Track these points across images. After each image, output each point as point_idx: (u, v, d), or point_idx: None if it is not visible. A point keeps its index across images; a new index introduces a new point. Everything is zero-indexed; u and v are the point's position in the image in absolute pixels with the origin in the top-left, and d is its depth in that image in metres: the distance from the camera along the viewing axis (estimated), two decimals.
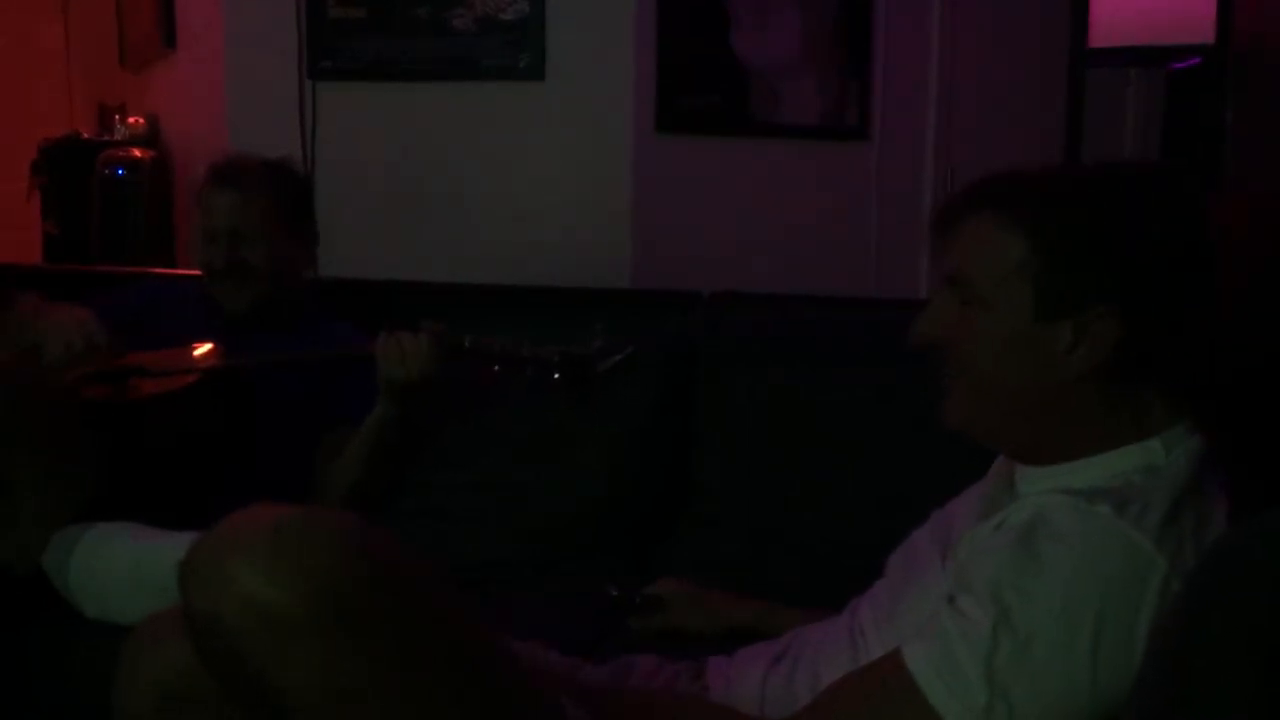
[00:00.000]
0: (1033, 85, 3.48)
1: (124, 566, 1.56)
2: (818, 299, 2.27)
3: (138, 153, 3.84)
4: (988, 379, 1.10)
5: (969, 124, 3.47)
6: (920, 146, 3.49)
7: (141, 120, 4.08)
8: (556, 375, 1.69)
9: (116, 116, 4.20)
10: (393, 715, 1.02)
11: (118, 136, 4.08)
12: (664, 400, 2.03)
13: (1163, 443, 1.05)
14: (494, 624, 1.14)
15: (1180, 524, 0.98)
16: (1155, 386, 1.07)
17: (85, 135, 4.27)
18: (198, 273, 2.09)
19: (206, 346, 1.96)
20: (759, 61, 3.24)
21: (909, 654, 0.98)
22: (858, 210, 3.41)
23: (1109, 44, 3.07)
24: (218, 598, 0.98)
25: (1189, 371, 1.08)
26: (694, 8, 3.15)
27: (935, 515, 1.28)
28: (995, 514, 1.06)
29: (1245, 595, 0.85)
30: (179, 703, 1.12)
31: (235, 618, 0.97)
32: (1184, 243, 1.06)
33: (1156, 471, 1.03)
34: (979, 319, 1.09)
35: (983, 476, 1.26)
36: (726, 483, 1.93)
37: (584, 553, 1.95)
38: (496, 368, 1.74)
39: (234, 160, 2.10)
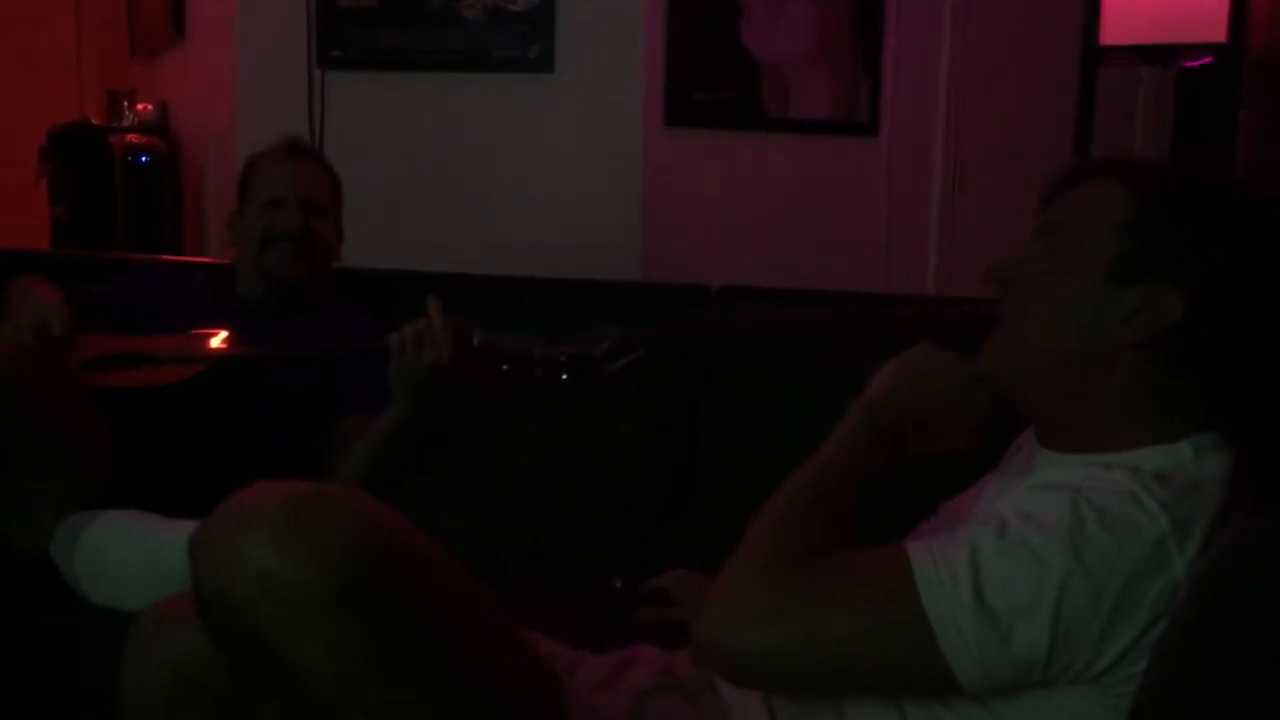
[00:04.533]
0: (1043, 82, 3.47)
1: (131, 553, 1.56)
2: (827, 293, 2.26)
3: (157, 140, 3.85)
4: (1037, 329, 1.11)
5: (979, 121, 3.47)
6: (930, 142, 3.49)
7: (150, 106, 4.08)
8: (564, 376, 1.69)
9: (125, 103, 4.20)
10: (403, 692, 1.02)
11: (126, 123, 4.08)
12: (673, 394, 2.03)
13: (1191, 446, 1.06)
14: (502, 608, 1.14)
15: (1214, 529, 0.98)
16: (1194, 387, 1.07)
17: (95, 121, 4.27)
18: (205, 260, 2.09)
19: (221, 334, 1.96)
20: (770, 56, 3.24)
21: (912, 547, 1.01)
22: (867, 205, 3.41)
23: (1120, 42, 3.06)
24: (229, 572, 0.98)
25: (1232, 380, 1.08)
26: (705, 1, 3.15)
27: (944, 508, 1.27)
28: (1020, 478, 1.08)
29: (1255, 593, 0.85)
30: (187, 688, 1.12)
31: (246, 592, 0.97)
32: (1268, 266, 1.07)
33: (1183, 469, 1.04)
34: (1055, 264, 1.10)
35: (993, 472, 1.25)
36: (735, 476, 1.92)
37: (592, 545, 1.95)
38: (505, 367, 1.74)
39: (304, 140, 2.17)
